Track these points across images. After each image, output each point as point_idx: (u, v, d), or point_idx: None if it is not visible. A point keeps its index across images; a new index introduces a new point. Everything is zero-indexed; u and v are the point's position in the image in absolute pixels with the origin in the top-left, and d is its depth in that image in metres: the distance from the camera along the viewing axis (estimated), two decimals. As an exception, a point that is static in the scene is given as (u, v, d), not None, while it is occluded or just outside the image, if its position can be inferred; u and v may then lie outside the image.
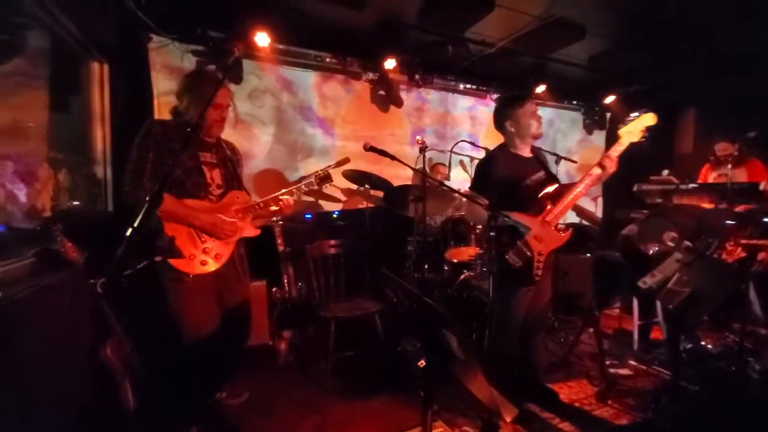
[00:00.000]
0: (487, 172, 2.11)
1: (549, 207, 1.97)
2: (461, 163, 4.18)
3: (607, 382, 2.38)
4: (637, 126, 1.95)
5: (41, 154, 2.22)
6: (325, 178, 2.11)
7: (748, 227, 2.29)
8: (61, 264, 1.81)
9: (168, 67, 3.32)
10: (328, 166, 2.12)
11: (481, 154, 3.55)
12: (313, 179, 2.08)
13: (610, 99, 4.66)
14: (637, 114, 2.00)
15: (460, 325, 1.78)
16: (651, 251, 2.83)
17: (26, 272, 1.78)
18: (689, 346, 2.76)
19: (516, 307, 2.02)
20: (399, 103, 4.05)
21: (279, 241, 3.02)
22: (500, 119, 2.12)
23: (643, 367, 2.63)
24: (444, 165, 4.03)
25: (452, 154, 3.67)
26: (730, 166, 3.40)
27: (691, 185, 3.18)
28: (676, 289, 1.96)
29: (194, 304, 1.76)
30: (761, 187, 2.93)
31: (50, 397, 1.64)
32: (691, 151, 4.75)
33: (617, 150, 1.96)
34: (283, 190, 1.99)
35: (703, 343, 2.78)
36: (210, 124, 1.84)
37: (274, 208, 1.97)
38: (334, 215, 3.43)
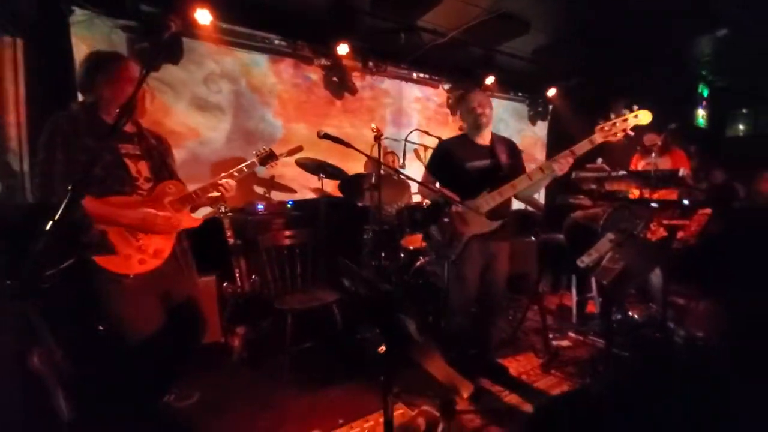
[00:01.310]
0: (435, 154, 2.33)
1: (483, 193, 2.08)
2: (415, 152, 4.24)
3: (550, 354, 2.58)
4: (623, 126, 1.95)
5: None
6: (267, 156, 2.00)
7: (670, 209, 2.57)
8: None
9: (93, 45, 3.00)
10: (280, 155, 2.06)
11: (434, 143, 3.65)
12: (255, 159, 1.97)
13: (552, 92, 4.93)
14: (628, 111, 1.96)
15: (418, 308, 1.84)
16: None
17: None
18: (619, 317, 3.06)
19: (458, 286, 2.13)
20: (353, 90, 3.99)
21: (229, 233, 2.90)
22: (453, 111, 2.24)
23: (581, 338, 2.88)
24: (395, 154, 4.07)
25: (406, 143, 3.72)
26: (653, 154, 3.76)
27: (621, 172, 3.48)
28: (610, 266, 2.15)
29: (136, 305, 1.62)
30: (680, 173, 3.29)
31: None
32: (621, 141, 5.19)
33: (583, 148, 2.00)
34: (222, 174, 1.86)
35: (630, 313, 3.09)
36: (132, 104, 1.67)
37: (215, 194, 1.83)
38: (289, 205, 3.33)
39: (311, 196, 3.98)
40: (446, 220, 2.04)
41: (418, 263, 3.05)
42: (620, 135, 1.99)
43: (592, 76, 4.81)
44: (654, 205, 2.60)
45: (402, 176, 2.25)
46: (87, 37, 2.97)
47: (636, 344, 2.66)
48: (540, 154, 5.85)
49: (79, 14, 2.88)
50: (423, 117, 4.81)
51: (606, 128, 2.00)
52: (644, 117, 1.98)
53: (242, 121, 3.69)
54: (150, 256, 1.65)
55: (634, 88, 4.98)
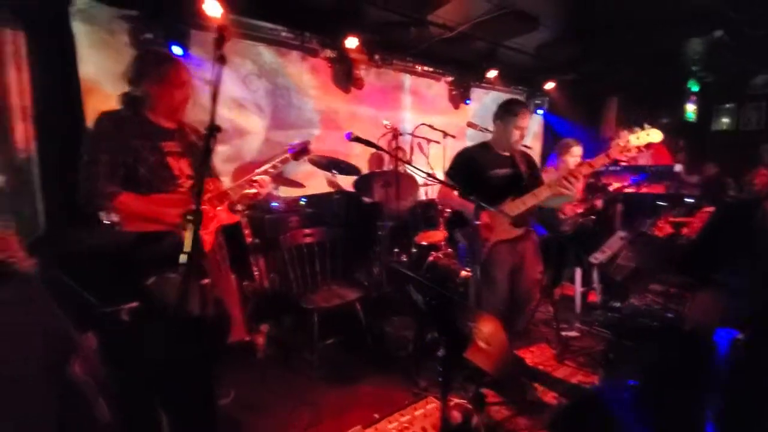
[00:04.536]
0: (458, 161, 2.32)
1: (508, 200, 2.16)
2: (419, 145, 4.28)
3: (562, 345, 2.73)
4: (635, 142, 1.97)
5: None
6: (302, 151, 1.98)
7: (677, 207, 2.72)
8: (9, 275, 1.57)
9: (94, 35, 2.86)
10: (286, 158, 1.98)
11: (438, 136, 3.69)
12: (288, 154, 1.96)
13: (550, 85, 5.03)
14: (640, 129, 1.98)
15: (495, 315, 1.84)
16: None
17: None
18: (618, 304, 3.23)
19: (488, 288, 2.16)
20: (359, 84, 3.96)
21: (246, 232, 2.88)
22: (495, 117, 2.28)
23: (587, 329, 3.04)
24: (403, 149, 4.09)
25: (411, 138, 3.76)
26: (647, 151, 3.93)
27: (618, 167, 3.64)
28: (624, 264, 2.29)
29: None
30: (676, 169, 3.46)
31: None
32: (615, 136, 5.36)
33: (600, 162, 2.06)
34: (257, 171, 1.87)
35: (631, 301, 3.27)
36: (176, 106, 1.69)
37: (250, 191, 1.84)
38: (302, 202, 3.32)
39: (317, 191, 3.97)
40: (473, 227, 2.07)
41: (431, 258, 3.12)
42: (634, 152, 2.04)
43: (587, 71, 4.93)
44: (662, 203, 2.75)
45: (430, 176, 2.23)
46: (87, 27, 2.83)
47: (638, 333, 2.84)
48: (536, 146, 5.97)
49: (79, 3, 2.74)
50: (425, 110, 4.82)
51: (621, 144, 2.04)
52: (655, 135, 2.02)
53: (281, 117, 3.81)
54: None
55: (625, 83, 5.15)
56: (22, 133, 2.46)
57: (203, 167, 1.06)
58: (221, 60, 1.13)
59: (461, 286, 2.74)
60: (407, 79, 4.58)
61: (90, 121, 1.76)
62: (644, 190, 3.71)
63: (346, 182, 3.66)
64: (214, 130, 1.02)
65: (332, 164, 3.22)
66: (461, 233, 2.21)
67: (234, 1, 3.03)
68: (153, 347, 1.45)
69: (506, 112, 2.21)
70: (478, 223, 2.04)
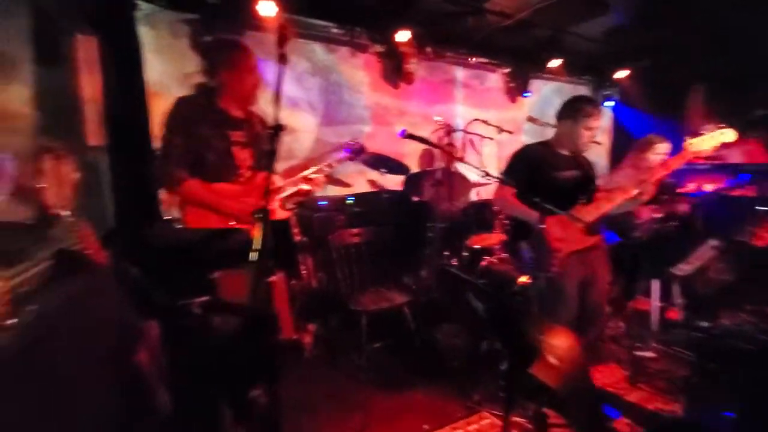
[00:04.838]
0: (519, 159, 2.09)
1: (578, 206, 1.93)
2: (470, 142, 4.07)
3: (635, 365, 2.42)
4: (709, 142, 1.89)
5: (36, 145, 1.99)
6: (357, 151, 2.02)
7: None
8: (84, 266, 1.67)
9: (157, 39, 2.99)
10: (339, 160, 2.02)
11: (492, 132, 3.47)
12: (346, 154, 2.01)
13: (622, 74, 4.56)
14: (714, 130, 1.90)
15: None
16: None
17: (46, 278, 1.62)
18: (705, 324, 2.82)
19: (558, 303, 1.98)
20: (409, 79, 3.84)
21: (295, 230, 2.88)
22: (561, 114, 2.07)
23: (665, 349, 2.68)
24: (455, 147, 3.91)
25: (463, 134, 3.57)
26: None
27: (709, 165, 3.19)
28: (716, 277, 1.98)
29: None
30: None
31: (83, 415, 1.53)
32: (700, 130, 4.75)
33: (677, 163, 1.92)
34: (312, 168, 1.89)
35: (722, 320, 2.83)
36: (247, 93, 1.73)
37: (305, 187, 1.86)
38: (349, 201, 3.27)
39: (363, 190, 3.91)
40: (537, 231, 1.89)
41: (484, 263, 2.93)
42: (709, 152, 1.94)
43: (665, 58, 4.40)
44: (762, 208, 2.35)
45: (488, 175, 2.05)
46: (152, 31, 2.97)
47: (726, 356, 2.45)
48: (605, 141, 5.47)
49: (144, 9, 2.88)
50: (478, 104, 4.58)
51: (695, 143, 1.92)
52: (729, 135, 1.92)
53: (334, 114, 3.75)
54: None
55: (711, 71, 4.52)
56: (93, 132, 2.62)
57: (270, 167, 1.04)
58: (283, 59, 1.10)
59: (519, 294, 2.54)
60: (459, 72, 4.37)
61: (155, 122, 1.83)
62: (736, 192, 3.23)
63: (395, 181, 3.56)
64: (278, 129, 1.00)
65: (381, 162, 3.14)
66: (526, 244, 2.01)
67: (287, 0, 3.04)
68: (219, 341, 1.48)
69: (577, 112, 1.99)
70: (543, 227, 1.86)
